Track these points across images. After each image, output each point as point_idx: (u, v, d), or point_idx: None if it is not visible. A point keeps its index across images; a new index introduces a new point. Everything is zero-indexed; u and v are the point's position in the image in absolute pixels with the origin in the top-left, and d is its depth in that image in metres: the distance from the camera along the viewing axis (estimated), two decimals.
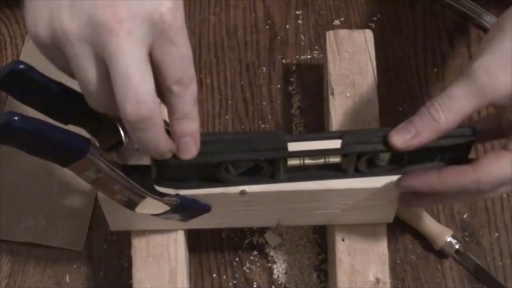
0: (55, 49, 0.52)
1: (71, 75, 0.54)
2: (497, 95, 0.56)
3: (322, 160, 0.62)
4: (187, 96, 0.54)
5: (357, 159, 0.61)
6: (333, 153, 0.61)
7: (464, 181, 0.58)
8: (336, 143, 0.61)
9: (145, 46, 0.51)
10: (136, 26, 0.50)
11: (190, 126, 0.56)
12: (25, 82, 0.53)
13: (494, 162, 0.58)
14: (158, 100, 0.52)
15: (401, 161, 0.62)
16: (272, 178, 0.63)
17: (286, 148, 0.60)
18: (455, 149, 0.61)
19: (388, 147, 0.59)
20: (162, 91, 0.53)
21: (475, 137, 0.60)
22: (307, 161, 0.62)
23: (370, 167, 0.63)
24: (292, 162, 0.62)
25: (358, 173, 0.63)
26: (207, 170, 0.61)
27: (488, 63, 0.56)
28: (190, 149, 0.57)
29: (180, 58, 0.52)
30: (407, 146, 0.58)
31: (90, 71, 0.52)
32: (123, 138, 0.59)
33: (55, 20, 0.51)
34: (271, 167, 0.61)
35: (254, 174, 0.62)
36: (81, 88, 0.53)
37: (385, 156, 0.62)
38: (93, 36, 0.50)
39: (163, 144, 0.55)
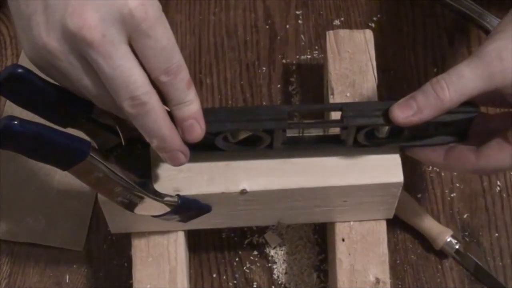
0: (50, 67, 0.53)
1: (74, 89, 0.54)
2: (506, 81, 0.56)
3: (321, 132, 0.61)
4: (178, 83, 0.54)
5: (356, 131, 0.61)
6: (333, 125, 0.61)
7: (467, 167, 0.61)
8: (336, 115, 0.60)
9: (122, 43, 0.51)
10: (107, 28, 0.50)
11: (190, 109, 0.55)
12: (23, 86, 0.53)
13: (496, 154, 0.59)
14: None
15: (401, 134, 0.62)
16: (271, 148, 0.62)
17: (285, 119, 0.60)
18: (456, 124, 0.61)
19: (388, 121, 0.59)
20: (153, 81, 0.53)
21: (477, 113, 0.60)
22: (306, 132, 0.61)
23: (370, 139, 0.62)
24: (291, 132, 0.61)
25: (357, 144, 0.63)
26: (205, 138, 0.59)
27: (502, 49, 0.56)
28: (195, 130, 0.56)
29: (160, 49, 0.52)
30: (408, 122, 0.58)
31: (84, 78, 0.52)
32: (122, 140, 0.59)
33: (36, 39, 0.51)
34: (269, 137, 0.61)
35: (253, 143, 0.62)
36: (84, 94, 0.54)
37: (385, 129, 0.62)
38: (72, 46, 0.51)
39: (166, 127, 0.54)
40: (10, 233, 0.78)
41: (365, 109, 0.60)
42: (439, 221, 0.77)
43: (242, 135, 0.61)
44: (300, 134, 0.62)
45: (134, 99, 0.52)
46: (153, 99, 0.53)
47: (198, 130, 0.57)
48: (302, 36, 0.87)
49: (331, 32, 0.75)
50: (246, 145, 0.62)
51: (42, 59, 0.52)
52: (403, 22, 0.88)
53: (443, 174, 0.80)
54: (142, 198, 0.60)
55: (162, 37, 0.52)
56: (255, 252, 0.77)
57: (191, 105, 0.55)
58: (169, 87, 0.54)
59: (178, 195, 0.62)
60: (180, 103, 0.55)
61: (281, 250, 0.77)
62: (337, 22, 0.88)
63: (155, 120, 0.53)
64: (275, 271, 0.76)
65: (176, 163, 0.58)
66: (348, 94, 0.72)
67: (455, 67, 0.58)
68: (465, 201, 0.79)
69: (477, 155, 0.60)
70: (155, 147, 0.56)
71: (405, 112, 0.58)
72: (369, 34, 0.75)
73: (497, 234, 0.77)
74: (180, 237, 0.69)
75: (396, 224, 0.76)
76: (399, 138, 0.62)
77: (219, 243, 0.78)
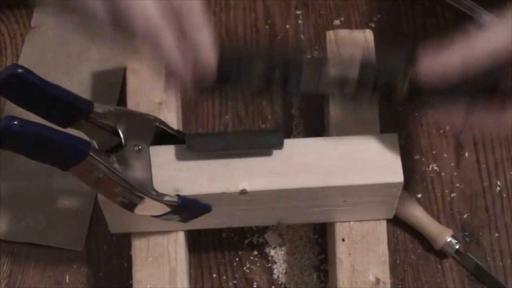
0: None
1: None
2: None
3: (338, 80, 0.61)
4: (193, 6, 0.55)
5: (373, 89, 0.60)
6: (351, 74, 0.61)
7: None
8: None
9: None
10: None
11: (203, 33, 0.57)
12: (23, 86, 0.53)
13: None
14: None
15: (420, 94, 0.60)
16: (285, 90, 0.62)
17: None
18: (479, 85, 0.58)
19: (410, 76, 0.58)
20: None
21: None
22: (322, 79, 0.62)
23: (387, 99, 0.61)
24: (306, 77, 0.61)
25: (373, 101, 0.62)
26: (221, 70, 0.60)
27: None
28: (210, 54, 0.58)
29: None
30: (433, 77, 0.56)
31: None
32: (122, 140, 0.59)
33: None
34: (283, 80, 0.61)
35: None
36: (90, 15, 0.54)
37: (404, 87, 0.60)
38: None
39: (177, 53, 0.55)
40: (10, 233, 0.78)
41: (386, 63, 0.59)
42: (439, 221, 0.77)
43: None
44: (316, 80, 0.61)
45: (148, 23, 0.53)
46: (166, 24, 0.54)
47: (211, 54, 0.58)
48: (302, 36, 0.87)
49: (331, 32, 0.75)
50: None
51: None
52: (403, 22, 0.87)
53: (443, 174, 0.80)
54: (142, 198, 0.60)
55: None
56: (255, 252, 0.77)
57: (204, 29, 0.56)
58: (184, 12, 0.55)
59: (178, 195, 0.63)
60: (194, 28, 0.56)
61: (281, 250, 0.77)
62: (337, 22, 0.88)
63: (168, 45, 0.54)
64: (275, 271, 0.76)
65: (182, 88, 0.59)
66: None
67: (487, 23, 0.57)
68: (465, 201, 0.79)
69: (499, 114, 0.57)
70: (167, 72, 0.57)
71: (431, 66, 0.56)
72: (369, 34, 0.75)
73: (497, 234, 0.77)
74: (180, 237, 0.69)
75: (396, 224, 0.76)
76: (418, 99, 0.60)
77: (219, 243, 0.78)
